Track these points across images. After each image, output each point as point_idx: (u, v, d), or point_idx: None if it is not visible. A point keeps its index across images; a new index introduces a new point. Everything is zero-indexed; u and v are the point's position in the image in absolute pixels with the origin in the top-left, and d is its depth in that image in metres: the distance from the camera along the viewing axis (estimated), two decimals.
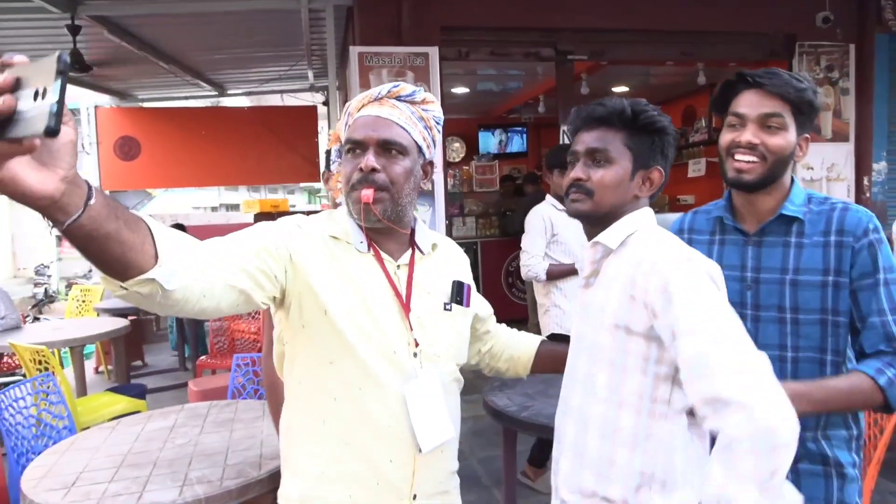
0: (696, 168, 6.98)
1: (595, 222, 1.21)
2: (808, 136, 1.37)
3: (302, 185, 23.85)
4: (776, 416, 0.93)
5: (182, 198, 23.45)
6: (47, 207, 0.68)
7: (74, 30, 4.12)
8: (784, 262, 1.34)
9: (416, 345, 1.21)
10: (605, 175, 1.17)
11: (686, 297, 1.03)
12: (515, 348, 1.51)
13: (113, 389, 4.20)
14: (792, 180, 1.39)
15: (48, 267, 14.62)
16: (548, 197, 3.34)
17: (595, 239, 1.20)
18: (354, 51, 4.10)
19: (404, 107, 1.21)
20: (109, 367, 5.94)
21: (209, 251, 0.99)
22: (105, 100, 7.63)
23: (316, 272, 1.14)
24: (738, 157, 1.32)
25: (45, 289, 13.06)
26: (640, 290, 1.08)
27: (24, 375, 5.79)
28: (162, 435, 2.20)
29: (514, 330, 1.56)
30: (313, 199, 27.97)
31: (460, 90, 7.03)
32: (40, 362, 3.40)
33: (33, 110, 0.58)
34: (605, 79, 6.69)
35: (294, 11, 4.81)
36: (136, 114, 7.37)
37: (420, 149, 1.22)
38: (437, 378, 1.22)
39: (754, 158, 1.31)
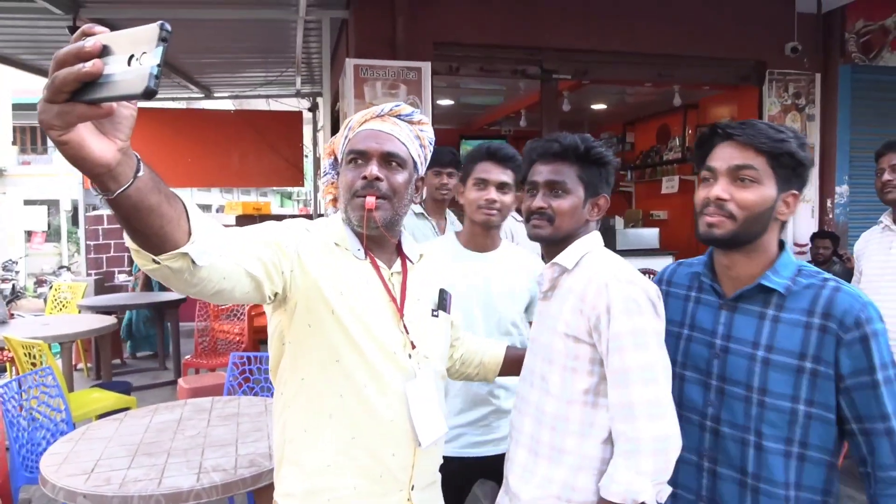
0: (670, 185, 7.26)
1: (553, 244, 1.38)
2: (795, 192, 1.23)
3: (275, 188, 23.76)
4: (672, 428, 1.20)
5: None
6: (102, 175, 0.71)
7: (75, 31, 4.17)
8: (757, 335, 1.24)
9: (413, 347, 1.28)
10: (563, 204, 1.34)
11: (621, 318, 1.22)
12: (484, 354, 1.59)
13: (99, 386, 4.25)
14: (782, 245, 1.28)
15: (16, 263, 14.33)
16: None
17: (554, 260, 1.37)
18: (350, 63, 4.24)
19: (403, 125, 1.30)
20: (89, 365, 5.94)
21: (230, 236, 1.02)
22: None
23: (323, 274, 1.20)
24: (707, 215, 1.24)
25: (13, 285, 12.81)
26: (588, 306, 1.26)
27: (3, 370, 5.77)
28: (171, 427, 2.30)
29: (478, 337, 1.65)
30: (285, 202, 27.81)
31: (445, 102, 7.20)
32: (32, 357, 3.44)
33: (127, 73, 0.62)
34: (586, 97, 6.94)
35: (289, 21, 4.93)
36: None
37: (415, 164, 1.31)
38: (432, 377, 1.31)
39: (721, 216, 1.21)
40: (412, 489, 1.27)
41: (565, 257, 1.35)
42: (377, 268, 1.29)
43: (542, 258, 1.51)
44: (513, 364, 1.58)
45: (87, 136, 0.68)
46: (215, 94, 7.89)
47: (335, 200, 1.38)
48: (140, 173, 0.75)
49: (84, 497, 1.77)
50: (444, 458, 1.78)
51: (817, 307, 1.18)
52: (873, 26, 5.31)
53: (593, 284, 1.27)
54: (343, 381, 1.20)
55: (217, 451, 2.06)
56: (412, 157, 1.30)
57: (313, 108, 8.16)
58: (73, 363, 6.24)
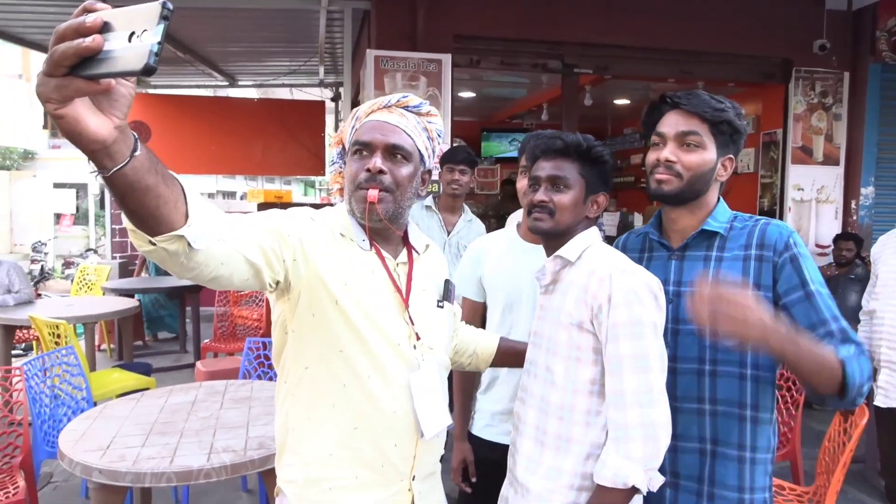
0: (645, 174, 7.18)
1: (553, 238, 1.41)
2: (731, 156, 1.40)
3: (299, 177, 23.97)
4: (662, 416, 1.24)
5: None
6: (97, 152, 0.72)
7: None
8: (704, 275, 1.37)
9: (418, 338, 1.28)
10: (564, 198, 1.38)
11: (621, 309, 1.26)
12: (478, 344, 1.59)
13: (120, 366, 4.37)
14: (718, 200, 1.43)
15: (45, 245, 14.67)
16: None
17: (556, 253, 1.40)
18: (371, 54, 4.27)
19: (411, 116, 1.28)
20: (112, 346, 6.09)
21: (230, 222, 1.00)
22: None
23: (326, 264, 1.19)
24: (657, 173, 1.38)
25: (42, 266, 13.12)
26: (591, 296, 1.30)
27: (24, 350, 5.94)
28: (185, 408, 2.37)
29: (471, 327, 1.66)
30: (309, 190, 28.05)
31: (466, 94, 7.20)
32: (57, 336, 3.55)
33: (127, 50, 0.62)
34: (608, 91, 6.89)
35: (312, 11, 4.97)
36: (147, 99, 7.50)
37: (422, 157, 1.29)
38: (435, 369, 1.32)
39: (670, 175, 1.35)
40: (413, 479, 1.28)
41: (568, 250, 1.38)
42: (382, 258, 1.28)
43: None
44: (505, 355, 1.61)
45: (83, 111, 0.68)
46: (240, 83, 8.00)
47: (342, 190, 1.38)
48: (137, 153, 0.75)
49: (99, 472, 1.84)
50: (490, 443, 1.82)
51: (752, 241, 1.35)
52: None
53: (596, 276, 1.30)
54: (346, 372, 1.20)
55: (228, 432, 2.12)
56: (418, 150, 1.28)
57: (336, 98, 8.22)
58: (97, 344, 6.43)
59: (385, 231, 1.28)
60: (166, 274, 6.56)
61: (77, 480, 3.42)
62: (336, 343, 1.19)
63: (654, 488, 1.25)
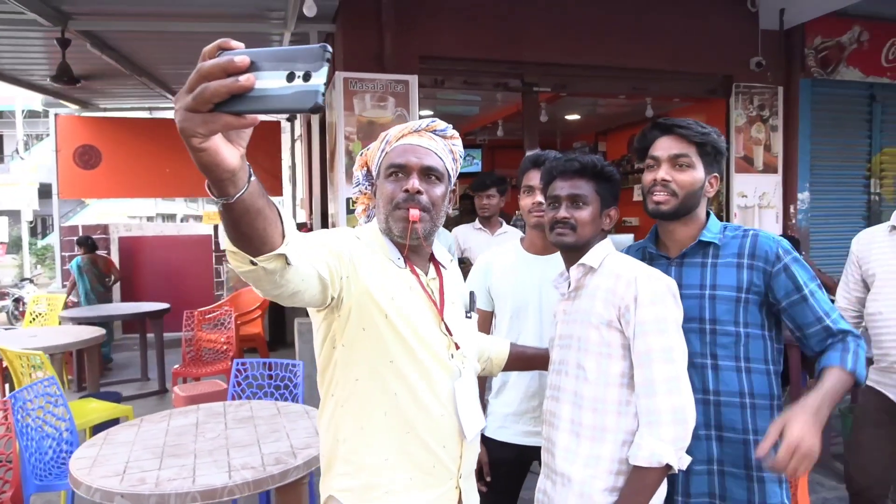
0: (641, 192, 7.53)
1: (574, 250, 1.56)
2: (716, 175, 1.58)
3: None
4: (688, 401, 1.39)
5: (116, 206, 22.80)
6: (225, 180, 0.75)
7: (64, 43, 4.21)
8: (702, 279, 1.55)
9: (457, 347, 1.37)
10: (584, 214, 1.53)
11: (646, 307, 1.41)
12: (492, 350, 1.68)
13: (90, 396, 4.25)
14: (708, 214, 1.61)
15: None
16: (476, 220, 3.76)
17: (580, 261, 1.54)
18: (340, 76, 4.35)
19: (438, 140, 1.37)
20: (69, 377, 5.89)
21: (304, 241, 1.04)
22: (66, 108, 7.53)
23: (374, 281, 1.25)
24: (654, 193, 1.55)
25: None
26: (619, 297, 1.45)
27: None
28: (190, 430, 2.38)
29: (483, 334, 1.72)
30: None
31: (424, 112, 7.34)
32: (31, 368, 3.46)
33: (287, 90, 0.65)
34: (561, 108, 7.17)
35: (273, 34, 5.02)
36: (98, 123, 7.33)
37: (450, 177, 1.38)
38: (473, 375, 1.41)
39: (666, 194, 1.53)
40: (460, 478, 1.37)
41: (591, 258, 1.53)
42: (416, 275, 1.36)
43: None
44: (516, 360, 1.72)
45: (220, 143, 0.72)
46: (175, 106, 7.88)
47: (366, 210, 1.47)
48: (252, 178, 0.79)
49: (122, 497, 1.85)
50: (503, 444, 1.92)
51: (744, 251, 1.53)
52: (830, 43, 5.65)
53: (623, 279, 1.45)
54: (396, 381, 1.27)
55: (241, 451, 2.15)
56: (447, 171, 1.37)
57: (291, 119, 8.22)
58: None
59: (419, 248, 1.37)
60: (97, 301, 6.42)
61: None
62: (387, 355, 1.26)
63: (684, 467, 1.39)
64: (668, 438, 1.36)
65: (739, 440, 1.52)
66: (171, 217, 29.60)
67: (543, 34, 4.85)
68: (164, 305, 5.86)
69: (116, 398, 4.39)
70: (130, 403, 4.81)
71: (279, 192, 8.38)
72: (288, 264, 0.94)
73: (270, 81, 0.65)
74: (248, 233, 0.85)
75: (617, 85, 5.39)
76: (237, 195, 0.78)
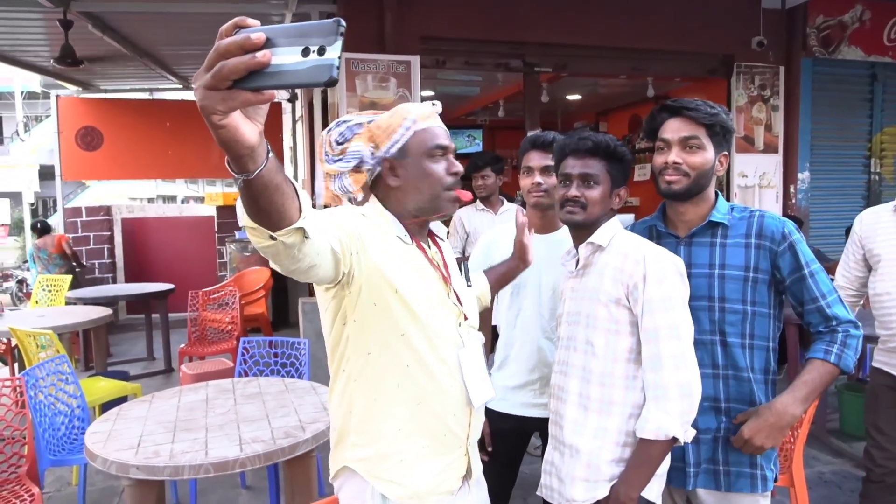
0: (642, 173, 7.54)
1: (583, 228, 1.59)
2: (726, 153, 1.62)
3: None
4: (694, 376, 1.43)
5: (117, 188, 22.79)
6: (245, 156, 0.77)
7: (66, 24, 4.21)
8: (711, 258, 1.59)
9: (465, 318, 1.42)
10: (594, 193, 1.55)
11: (654, 286, 1.45)
12: (478, 292, 1.74)
13: (99, 375, 4.33)
14: (717, 194, 1.64)
15: None
16: (478, 201, 3.76)
17: (589, 240, 1.58)
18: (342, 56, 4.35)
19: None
20: (76, 357, 5.97)
21: (318, 218, 1.06)
22: (65, 89, 7.53)
23: (383, 257, 1.27)
24: (666, 175, 1.58)
25: None
26: (627, 275, 1.49)
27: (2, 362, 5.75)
28: (200, 406, 2.44)
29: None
30: None
31: (425, 92, 7.33)
32: (41, 347, 3.52)
33: (302, 65, 0.65)
34: (562, 88, 7.16)
35: (274, 15, 5.01)
36: (99, 104, 7.33)
37: None
38: (478, 345, 1.45)
39: (679, 175, 1.56)
40: (469, 445, 1.43)
41: (600, 237, 1.56)
42: (422, 249, 1.40)
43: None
44: (496, 285, 1.82)
45: (240, 119, 0.73)
46: (193, 86, 7.87)
47: (363, 188, 1.42)
48: (270, 154, 0.80)
49: (136, 468, 1.91)
50: (504, 415, 1.97)
51: (752, 231, 1.58)
52: (832, 21, 5.63)
53: (631, 258, 1.49)
54: (408, 353, 1.31)
55: (251, 425, 2.21)
56: None
57: (292, 99, 8.21)
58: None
59: (423, 224, 1.42)
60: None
61: (70, 490, 3.42)
62: (397, 328, 1.30)
63: (689, 439, 1.45)
64: (675, 412, 1.41)
65: (744, 411, 1.59)
66: (172, 199, 29.56)
67: (544, 14, 4.84)
68: (169, 286, 5.92)
69: (124, 377, 4.47)
70: (137, 382, 4.90)
71: None
72: (305, 237, 0.97)
73: (286, 57, 0.66)
74: (267, 208, 0.87)
75: (618, 65, 5.40)
76: (256, 171, 0.79)
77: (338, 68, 0.65)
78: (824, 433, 3.95)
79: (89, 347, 5.61)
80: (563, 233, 1.99)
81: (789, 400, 1.52)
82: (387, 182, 1.37)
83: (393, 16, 4.46)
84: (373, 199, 1.40)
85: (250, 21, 0.70)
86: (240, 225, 0.94)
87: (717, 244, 1.61)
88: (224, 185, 24.32)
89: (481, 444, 1.98)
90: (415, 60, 4.52)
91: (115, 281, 7.85)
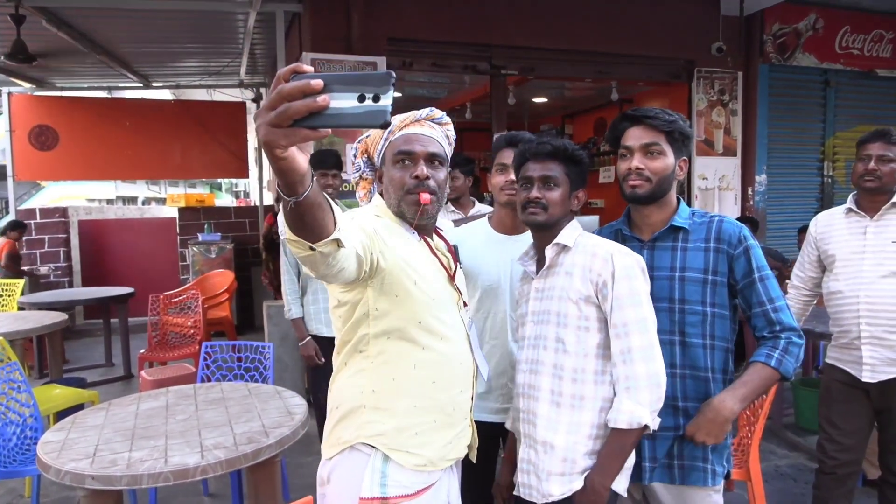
0: (607, 175, 7.66)
1: (545, 230, 1.63)
2: (685, 158, 1.70)
3: (205, 180, 23.15)
4: (661, 367, 1.50)
5: (75, 189, 22.17)
6: (297, 181, 0.88)
7: (18, 19, 4.07)
8: (672, 261, 1.65)
9: (465, 305, 1.58)
10: (554, 195, 1.60)
11: (622, 282, 1.51)
12: None
13: (54, 382, 4.19)
14: (679, 200, 1.72)
15: None
16: (449, 203, 3.67)
17: (556, 240, 1.62)
18: (307, 56, 4.31)
19: (437, 127, 1.51)
20: (30, 365, 5.78)
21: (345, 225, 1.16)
22: (17, 87, 7.28)
23: (401, 252, 1.39)
24: (630, 180, 1.66)
25: None
26: (595, 273, 1.54)
27: None
28: (160, 413, 2.38)
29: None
30: (218, 194, 27.13)
31: (394, 94, 7.31)
32: None
33: (358, 108, 0.76)
34: (528, 90, 7.22)
35: (240, 13, 4.94)
36: (54, 102, 7.11)
37: (448, 161, 1.53)
38: (475, 325, 1.63)
39: (642, 180, 1.64)
40: (472, 416, 1.59)
41: (566, 237, 1.60)
42: (429, 245, 1.51)
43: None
44: None
45: (295, 152, 0.83)
46: (154, 84, 7.71)
47: (367, 194, 1.59)
48: (314, 178, 0.92)
49: (92, 479, 1.85)
50: (476, 423, 1.93)
51: (711, 235, 1.65)
52: (787, 29, 5.81)
53: (598, 257, 1.54)
54: (425, 338, 1.43)
55: (213, 431, 2.17)
56: (446, 156, 1.52)
57: (257, 99, 8.10)
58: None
59: (428, 223, 1.52)
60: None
61: (23, 503, 3.30)
62: (416, 316, 1.41)
63: (656, 427, 1.50)
64: (645, 401, 1.47)
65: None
66: (133, 200, 28.90)
67: (511, 17, 4.88)
68: (129, 290, 5.77)
69: (81, 384, 4.34)
70: (95, 389, 4.76)
71: (244, 175, 8.27)
72: (340, 247, 1.08)
73: (343, 102, 0.76)
74: (311, 223, 0.99)
75: (583, 69, 5.46)
76: (304, 193, 0.90)
77: (391, 114, 0.77)
78: (781, 428, 4.06)
79: (44, 354, 5.43)
80: None
81: (726, 396, 1.58)
82: (381, 188, 1.53)
83: (359, 16, 4.43)
84: (381, 201, 1.53)
85: (306, 67, 0.79)
86: (282, 238, 1.07)
87: (678, 248, 1.67)
88: (186, 185, 23.88)
89: None
90: (381, 61, 4.50)
91: (71, 285, 7.63)
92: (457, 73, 5.44)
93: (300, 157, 0.85)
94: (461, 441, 1.54)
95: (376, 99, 0.75)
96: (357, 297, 1.39)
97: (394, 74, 0.77)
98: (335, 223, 1.04)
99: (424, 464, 1.43)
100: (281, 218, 1.01)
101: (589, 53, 5.25)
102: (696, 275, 1.63)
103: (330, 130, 0.80)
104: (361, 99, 0.76)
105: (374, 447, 1.41)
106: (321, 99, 0.75)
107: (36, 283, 7.00)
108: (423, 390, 1.44)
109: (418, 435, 1.43)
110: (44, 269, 7.40)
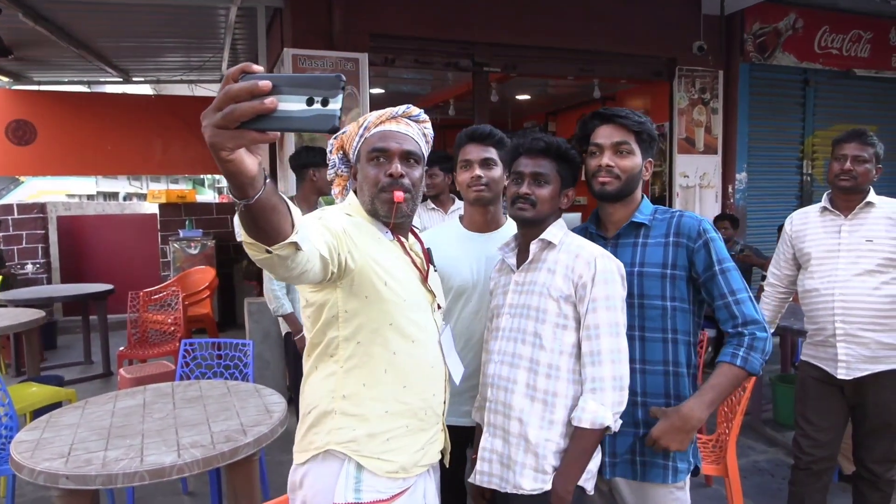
0: (585, 176, 7.68)
1: (532, 226, 1.64)
2: (651, 160, 1.72)
3: (188, 175, 22.95)
4: (626, 370, 1.53)
5: (55, 184, 21.86)
6: (247, 184, 0.84)
7: None
8: (633, 257, 1.67)
9: (439, 307, 1.57)
10: (544, 192, 1.61)
11: (600, 286, 1.53)
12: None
13: (31, 380, 4.13)
14: (642, 197, 1.73)
15: None
16: (428, 200, 3.65)
17: (542, 236, 1.62)
18: (289, 52, 4.29)
19: (413, 125, 1.49)
20: (7, 363, 5.69)
21: (308, 226, 1.13)
22: None
23: (371, 253, 1.37)
24: (600, 177, 1.66)
25: None
26: (577, 274, 1.55)
27: None
28: (137, 411, 2.36)
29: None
30: (200, 189, 26.88)
31: (376, 90, 7.29)
32: None
33: (307, 112, 0.74)
34: (511, 88, 7.23)
35: (221, 8, 4.89)
36: (32, 97, 6.99)
37: (424, 158, 1.50)
38: (448, 328, 1.61)
39: (611, 178, 1.65)
40: (444, 420, 1.57)
41: (552, 235, 1.61)
42: (402, 244, 1.49)
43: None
44: None
45: (245, 154, 0.80)
46: (134, 79, 7.62)
47: (342, 191, 1.56)
48: (268, 180, 0.89)
49: (66, 478, 1.83)
50: (451, 427, 1.86)
51: (671, 230, 1.66)
52: (768, 28, 5.87)
53: (582, 259, 1.55)
54: (396, 340, 1.41)
55: (190, 429, 2.15)
56: (423, 153, 1.49)
57: None
58: None
59: (403, 222, 1.49)
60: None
61: None
62: (386, 318, 1.39)
63: (617, 428, 1.52)
64: (609, 403, 1.49)
65: (661, 405, 1.65)
66: (114, 196, 28.56)
67: (494, 15, 4.88)
68: (108, 286, 5.71)
69: (58, 382, 4.29)
70: (73, 387, 4.70)
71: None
72: (298, 249, 1.04)
73: (291, 105, 0.74)
74: (265, 226, 0.95)
75: (566, 66, 5.48)
76: (256, 196, 0.87)
77: (340, 118, 0.75)
78: (759, 423, 4.11)
79: (21, 352, 5.35)
80: (508, 229, 1.99)
81: (696, 404, 1.58)
82: (357, 185, 1.50)
83: (341, 12, 4.41)
84: (354, 199, 1.51)
85: (255, 67, 0.77)
86: (237, 240, 1.03)
87: (639, 244, 1.69)
88: (168, 181, 23.62)
89: None
90: (363, 58, 4.48)
91: (50, 282, 7.52)
92: (439, 70, 5.44)
93: (249, 160, 0.81)
94: (434, 446, 1.53)
95: (325, 103, 0.74)
96: (326, 298, 1.37)
97: (343, 78, 0.75)
98: (293, 225, 1.00)
99: (396, 470, 1.41)
100: (236, 220, 0.98)
101: (571, 51, 5.27)
102: (655, 269, 1.65)
103: (279, 133, 0.78)
104: (310, 102, 0.74)
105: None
106: (269, 101, 0.73)
107: (13, 280, 6.90)
108: (394, 395, 1.42)
109: (390, 441, 1.41)
110: (30, 267, 7.29)
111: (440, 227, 2.10)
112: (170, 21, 5.34)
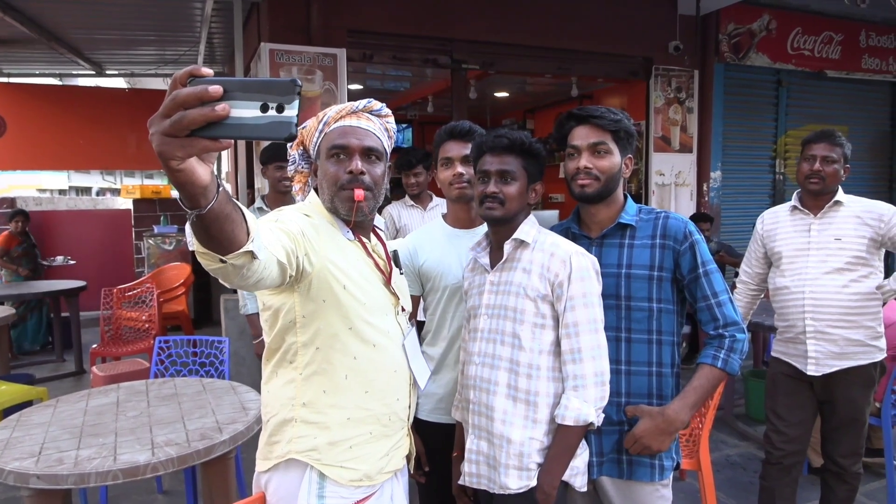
0: (565, 179, 7.73)
1: (502, 224, 1.63)
2: (630, 156, 1.70)
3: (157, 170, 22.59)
4: (607, 365, 1.55)
5: (26, 178, 21.43)
6: (199, 194, 0.80)
7: None
8: (619, 259, 1.66)
9: (403, 309, 1.52)
10: (512, 189, 1.59)
11: (577, 283, 1.54)
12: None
13: (1, 378, 4.06)
14: (626, 197, 1.73)
15: None
16: (407, 197, 3.64)
17: (515, 236, 1.62)
18: (266, 47, 4.24)
19: (375, 120, 1.44)
20: None
21: (263, 229, 1.09)
22: None
23: (330, 255, 1.32)
24: (579, 179, 1.65)
25: None
26: (553, 273, 1.56)
27: None
28: (110, 409, 2.33)
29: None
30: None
31: (354, 87, 7.25)
32: None
33: (262, 119, 0.70)
34: (490, 85, 7.24)
35: (196, 4, 4.82)
36: (2, 89, 6.84)
37: (386, 154, 1.46)
38: (414, 331, 1.57)
39: (590, 179, 1.63)
40: (410, 425, 1.55)
41: (524, 234, 1.61)
42: (364, 244, 1.45)
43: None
44: None
45: (195, 163, 0.76)
46: (107, 72, 7.48)
47: (303, 189, 1.50)
48: (220, 188, 0.84)
49: (37, 478, 1.80)
50: (438, 426, 1.89)
51: (657, 232, 1.66)
52: (742, 29, 5.96)
53: (557, 258, 1.55)
54: (356, 345, 1.37)
55: (165, 427, 2.13)
56: (385, 150, 1.45)
57: None
58: None
59: (364, 221, 1.45)
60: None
61: None
62: (346, 322, 1.36)
63: (600, 423, 1.54)
64: (591, 399, 1.51)
65: (644, 404, 1.66)
66: (87, 190, 28.08)
67: (472, 12, 4.89)
68: (80, 283, 5.61)
69: (29, 380, 4.22)
70: (45, 386, 4.62)
71: None
72: (254, 258, 1.00)
73: (245, 111, 0.71)
74: (218, 236, 0.90)
75: (543, 64, 5.50)
76: (208, 206, 0.83)
77: (296, 126, 0.71)
78: (731, 418, 4.19)
79: None
80: None
81: (679, 406, 1.61)
82: (317, 182, 1.44)
83: (319, 7, 4.38)
84: (315, 198, 1.46)
85: (204, 70, 0.72)
86: (190, 249, 0.97)
87: (625, 245, 1.69)
88: (143, 176, 23.23)
89: (418, 463, 1.88)
90: (341, 53, 4.45)
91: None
92: (417, 67, 5.43)
93: (200, 169, 0.77)
94: (398, 452, 1.50)
95: (280, 109, 0.70)
96: (283, 302, 1.33)
97: (299, 82, 0.72)
98: (248, 233, 0.96)
99: (360, 478, 1.39)
100: (188, 229, 0.93)
101: (549, 49, 5.30)
102: (642, 271, 1.65)
103: (232, 141, 0.74)
104: (265, 108, 0.70)
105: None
106: (220, 107, 0.69)
107: None
108: (356, 401, 1.39)
109: (353, 448, 1.38)
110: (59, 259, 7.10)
111: (425, 228, 2.06)
112: (144, 13, 5.25)
